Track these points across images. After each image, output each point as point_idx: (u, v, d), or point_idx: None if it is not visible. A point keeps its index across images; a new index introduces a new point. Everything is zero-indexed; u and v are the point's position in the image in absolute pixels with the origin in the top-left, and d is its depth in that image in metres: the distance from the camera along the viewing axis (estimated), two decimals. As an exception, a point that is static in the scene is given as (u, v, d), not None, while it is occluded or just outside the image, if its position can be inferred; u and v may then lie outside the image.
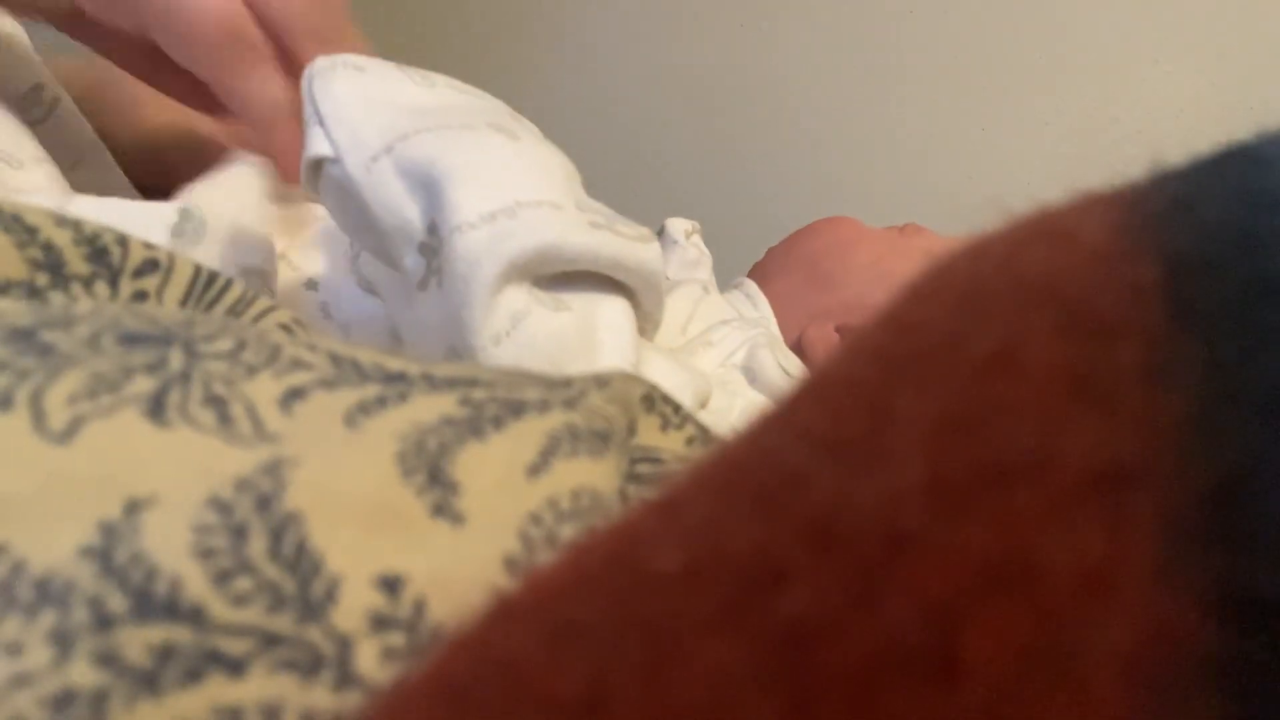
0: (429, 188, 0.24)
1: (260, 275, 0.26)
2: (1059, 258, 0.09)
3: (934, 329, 0.09)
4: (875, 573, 0.07)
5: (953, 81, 0.71)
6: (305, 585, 0.09)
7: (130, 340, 0.12)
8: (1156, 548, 0.07)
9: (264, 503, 0.10)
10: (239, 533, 0.09)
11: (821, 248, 0.45)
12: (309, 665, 0.09)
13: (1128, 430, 0.07)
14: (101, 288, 0.16)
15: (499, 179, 0.24)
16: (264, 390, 0.12)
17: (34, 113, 0.33)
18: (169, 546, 0.09)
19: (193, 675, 0.08)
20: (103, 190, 0.33)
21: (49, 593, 0.09)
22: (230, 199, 0.29)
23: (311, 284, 0.32)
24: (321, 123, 0.24)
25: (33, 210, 0.16)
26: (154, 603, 0.09)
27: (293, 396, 0.12)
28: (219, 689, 0.08)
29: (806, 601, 0.07)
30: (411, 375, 0.13)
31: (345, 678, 0.09)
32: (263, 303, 0.18)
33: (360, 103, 0.25)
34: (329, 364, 0.13)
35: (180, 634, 0.08)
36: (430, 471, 0.11)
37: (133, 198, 0.30)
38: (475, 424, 0.12)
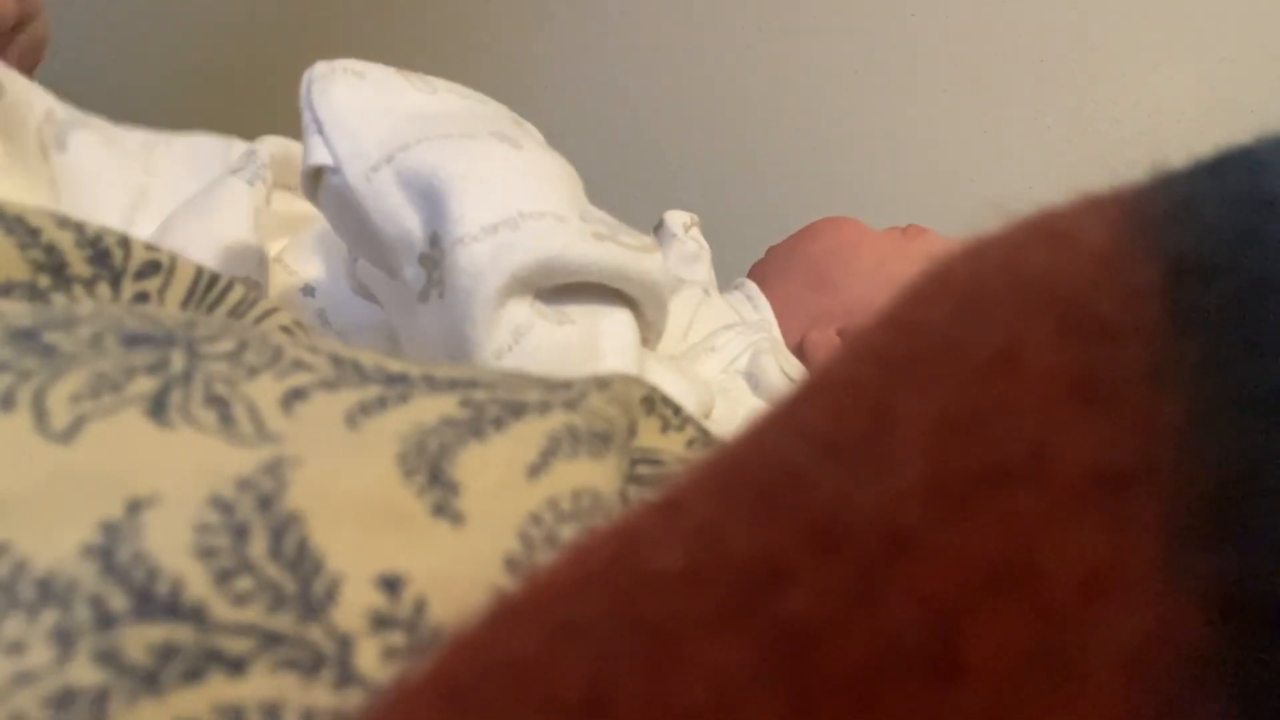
0: (430, 198, 0.23)
1: (252, 285, 0.26)
2: (1060, 259, 0.09)
3: (935, 330, 0.09)
4: (876, 573, 0.07)
5: (954, 83, 0.71)
6: (306, 585, 0.09)
7: (132, 341, 0.12)
8: (1157, 548, 0.07)
9: (265, 502, 0.10)
10: (240, 532, 0.09)
11: (823, 249, 0.45)
12: (310, 664, 0.09)
13: (1128, 431, 0.07)
14: (103, 289, 0.16)
15: (501, 189, 0.23)
16: (265, 391, 0.12)
17: None
18: (170, 546, 0.09)
19: (194, 674, 0.08)
20: None
21: (51, 592, 0.09)
22: (216, 222, 0.29)
23: (309, 290, 0.32)
24: (320, 131, 0.24)
25: (35, 212, 0.16)
26: (155, 602, 0.09)
27: (294, 397, 0.12)
28: (220, 688, 0.08)
29: (808, 602, 0.07)
30: (413, 377, 0.13)
31: (346, 677, 0.09)
32: (264, 305, 0.19)
33: (360, 111, 0.24)
34: (330, 365, 0.13)
35: (181, 633, 0.08)
36: (431, 472, 0.11)
37: None
38: (476, 425, 0.12)
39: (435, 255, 0.23)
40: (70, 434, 0.10)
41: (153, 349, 0.12)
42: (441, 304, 0.23)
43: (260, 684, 0.08)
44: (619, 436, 0.13)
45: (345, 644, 0.09)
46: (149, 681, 0.08)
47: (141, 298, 0.17)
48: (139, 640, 0.08)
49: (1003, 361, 0.08)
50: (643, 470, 0.14)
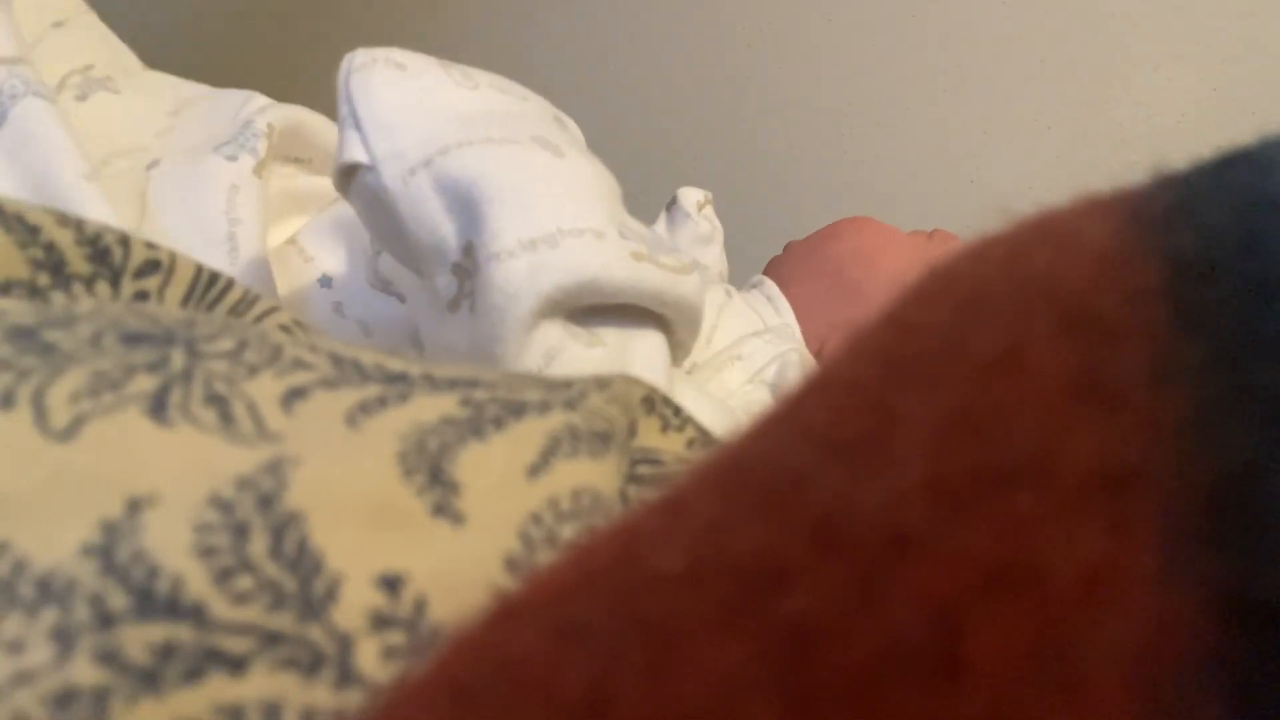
0: (468, 207, 0.23)
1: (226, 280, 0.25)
2: (1061, 260, 0.09)
3: (937, 331, 0.09)
4: (878, 573, 0.07)
5: (954, 83, 0.71)
6: (306, 584, 0.09)
7: (132, 339, 0.12)
8: (1159, 549, 0.07)
9: (265, 502, 0.10)
10: (240, 531, 0.09)
11: (847, 253, 0.43)
12: (310, 664, 0.09)
13: (1130, 432, 0.07)
14: (103, 288, 0.16)
15: (541, 203, 0.23)
16: (265, 390, 0.12)
17: None
18: (170, 545, 0.09)
19: (194, 673, 0.08)
20: None
21: (50, 591, 0.09)
22: (188, 204, 0.28)
23: (325, 280, 0.31)
24: (358, 126, 0.23)
25: (35, 210, 0.16)
26: (155, 601, 0.09)
27: (294, 396, 0.12)
28: (220, 687, 0.08)
29: (809, 602, 0.07)
30: (413, 376, 0.13)
31: (346, 676, 0.09)
32: (264, 304, 0.19)
33: (400, 108, 0.23)
34: (330, 364, 0.13)
35: (181, 632, 0.08)
36: (431, 471, 0.11)
37: None
38: (476, 424, 0.12)
39: (468, 266, 0.23)
40: (70, 433, 0.10)
41: (152, 347, 0.12)
42: (472, 318, 0.23)
43: (260, 683, 0.08)
44: (619, 436, 0.13)
45: (345, 643, 0.09)
46: (149, 681, 0.08)
47: (141, 296, 0.17)
48: (139, 639, 0.08)
49: (1004, 362, 0.08)
50: (643, 470, 0.14)
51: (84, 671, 0.08)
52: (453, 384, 0.13)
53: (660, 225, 0.43)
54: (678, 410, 0.16)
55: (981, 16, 0.71)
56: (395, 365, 0.13)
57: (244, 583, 0.09)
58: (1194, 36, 0.67)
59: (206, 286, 0.18)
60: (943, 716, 0.06)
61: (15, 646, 0.08)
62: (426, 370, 0.13)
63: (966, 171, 0.72)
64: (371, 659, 0.09)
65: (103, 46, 0.33)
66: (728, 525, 0.07)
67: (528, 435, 0.12)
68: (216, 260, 0.28)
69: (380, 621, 0.09)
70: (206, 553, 0.09)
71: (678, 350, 0.27)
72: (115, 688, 0.08)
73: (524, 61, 0.79)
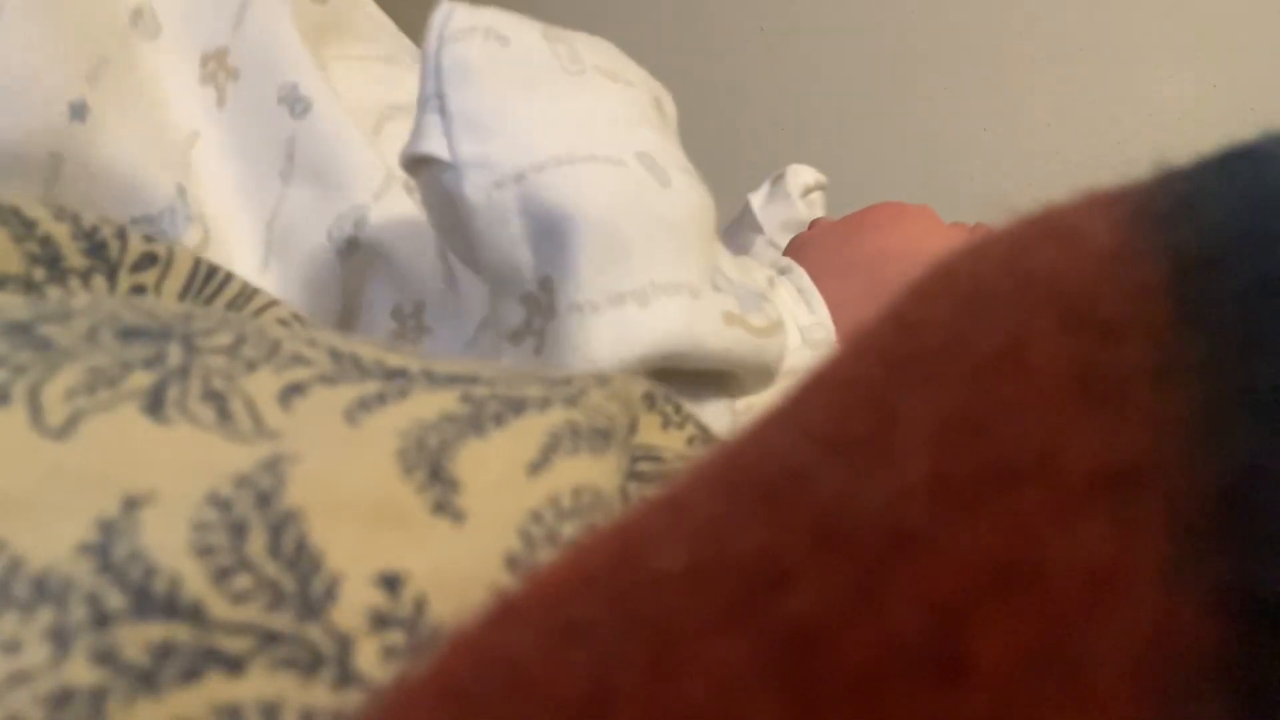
0: (554, 239, 0.20)
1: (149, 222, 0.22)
2: (1063, 257, 0.09)
3: (939, 328, 0.08)
4: (880, 572, 0.07)
5: (955, 82, 0.71)
6: (305, 583, 0.09)
7: (128, 334, 0.12)
8: (1163, 548, 0.07)
9: (264, 500, 0.10)
10: (238, 530, 0.09)
11: (888, 250, 0.38)
12: (309, 663, 0.09)
13: (1133, 430, 0.07)
14: (99, 282, 0.16)
15: (635, 248, 0.20)
16: (264, 386, 0.12)
17: None
18: (168, 544, 0.09)
19: (192, 673, 0.08)
20: None
21: (47, 590, 0.09)
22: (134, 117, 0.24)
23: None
24: (443, 113, 0.20)
25: (32, 204, 0.16)
26: (153, 600, 0.09)
27: (293, 392, 0.12)
28: (218, 687, 0.08)
29: (811, 601, 0.07)
30: (412, 372, 0.13)
31: (345, 676, 0.09)
32: (262, 298, 0.18)
33: (496, 102, 0.20)
34: (329, 359, 0.13)
35: (179, 632, 0.08)
36: (431, 468, 0.11)
37: None
38: (476, 421, 0.12)
39: (544, 302, 0.20)
40: (66, 430, 0.10)
41: (149, 342, 0.12)
42: (536, 360, 0.20)
43: (259, 683, 0.08)
44: (620, 433, 0.13)
45: (344, 643, 0.09)
46: (146, 681, 0.08)
47: (138, 290, 0.17)
48: (136, 639, 0.08)
49: (1006, 359, 0.08)
50: (644, 467, 0.14)
51: (81, 671, 0.08)
52: (453, 380, 0.13)
53: (758, 198, 0.40)
54: (679, 407, 0.15)
55: (983, 13, 0.71)
56: (395, 360, 0.13)
57: (242, 582, 0.09)
58: (1195, 33, 0.67)
59: (205, 280, 0.18)
60: (945, 716, 0.06)
61: (11, 646, 0.08)
62: (426, 366, 0.13)
63: (968, 168, 0.72)
64: (371, 658, 0.09)
65: None
66: (729, 524, 0.07)
67: (528, 432, 0.12)
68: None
69: (380, 621, 0.09)
70: (204, 551, 0.09)
71: (739, 392, 0.25)
72: (112, 688, 0.08)
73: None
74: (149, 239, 0.17)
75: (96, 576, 0.09)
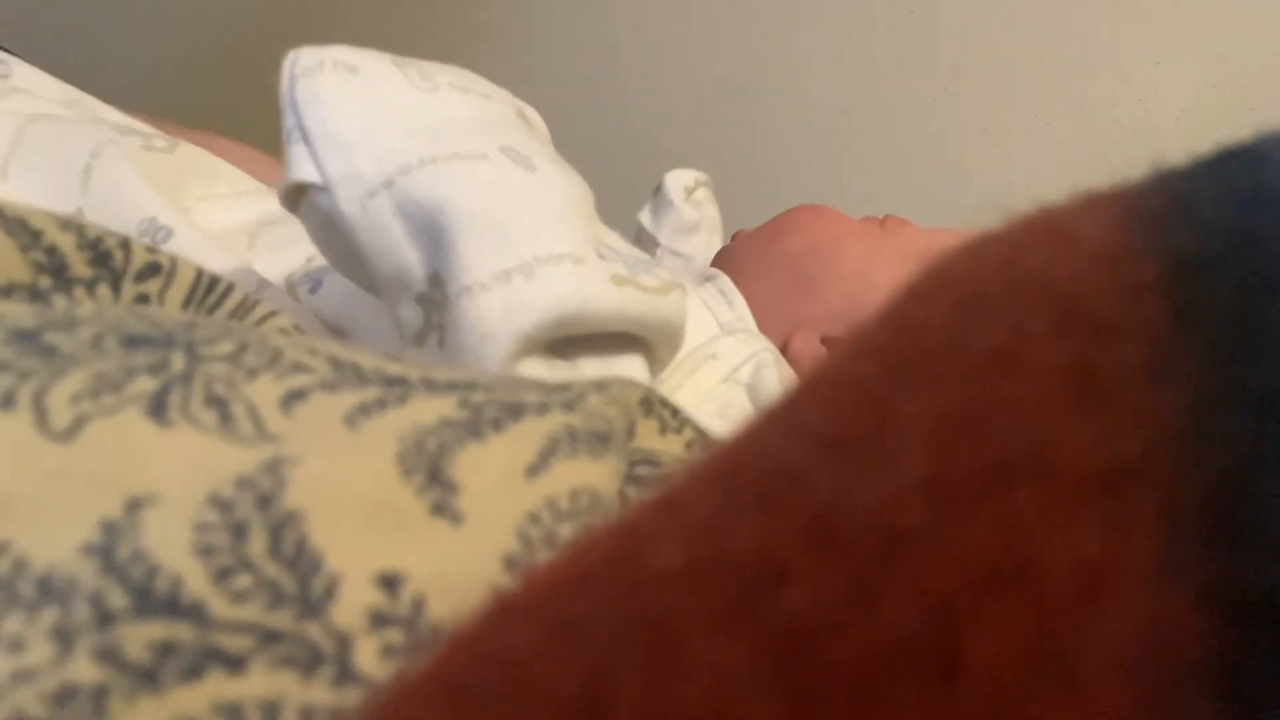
0: (434, 234, 0.20)
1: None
2: (1059, 257, 0.09)
3: (935, 328, 0.09)
4: (876, 571, 0.07)
5: (954, 82, 0.71)
6: (305, 583, 0.09)
7: (132, 342, 0.12)
8: (1156, 547, 0.07)
9: (264, 501, 0.10)
10: (239, 531, 0.09)
11: (804, 247, 0.41)
12: (308, 662, 0.09)
13: (1128, 429, 0.07)
14: (104, 291, 0.16)
15: (514, 227, 0.20)
16: (265, 392, 0.12)
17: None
18: (170, 544, 0.09)
19: (193, 672, 0.08)
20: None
21: (51, 590, 0.09)
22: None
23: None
24: (307, 141, 0.21)
25: (37, 214, 0.16)
26: (155, 600, 0.09)
27: (293, 398, 0.12)
28: (219, 685, 0.08)
29: (807, 600, 0.07)
30: (411, 379, 0.13)
31: (344, 674, 0.09)
32: (264, 308, 0.19)
33: (354, 121, 0.21)
34: (329, 367, 0.13)
35: (181, 631, 0.09)
36: (430, 471, 0.11)
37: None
38: (474, 425, 0.12)
39: (436, 297, 0.21)
40: (70, 434, 0.10)
41: (153, 350, 0.12)
42: (441, 354, 0.21)
43: (259, 682, 0.08)
44: (617, 437, 0.13)
45: (344, 642, 0.09)
46: (148, 679, 0.08)
47: (142, 299, 0.17)
48: (138, 638, 0.08)
49: (1002, 359, 0.08)
50: (641, 471, 0.14)
51: (84, 670, 0.08)
52: (451, 386, 0.13)
53: (646, 214, 0.41)
54: (676, 412, 0.16)
55: (981, 13, 0.71)
56: (394, 369, 0.13)
57: (243, 581, 0.09)
58: (1193, 33, 0.67)
59: (207, 290, 0.18)
60: (940, 714, 0.06)
61: (16, 645, 0.08)
62: (425, 374, 0.13)
63: (966, 168, 0.72)
64: (370, 657, 0.09)
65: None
66: (726, 523, 0.07)
67: (526, 436, 0.12)
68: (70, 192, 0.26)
69: (379, 620, 0.09)
70: (206, 552, 0.09)
71: (655, 365, 0.26)
72: (115, 686, 0.08)
73: (523, 54, 0.79)
74: (152, 249, 0.17)
75: (100, 576, 0.09)
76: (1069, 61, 0.70)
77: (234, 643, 0.09)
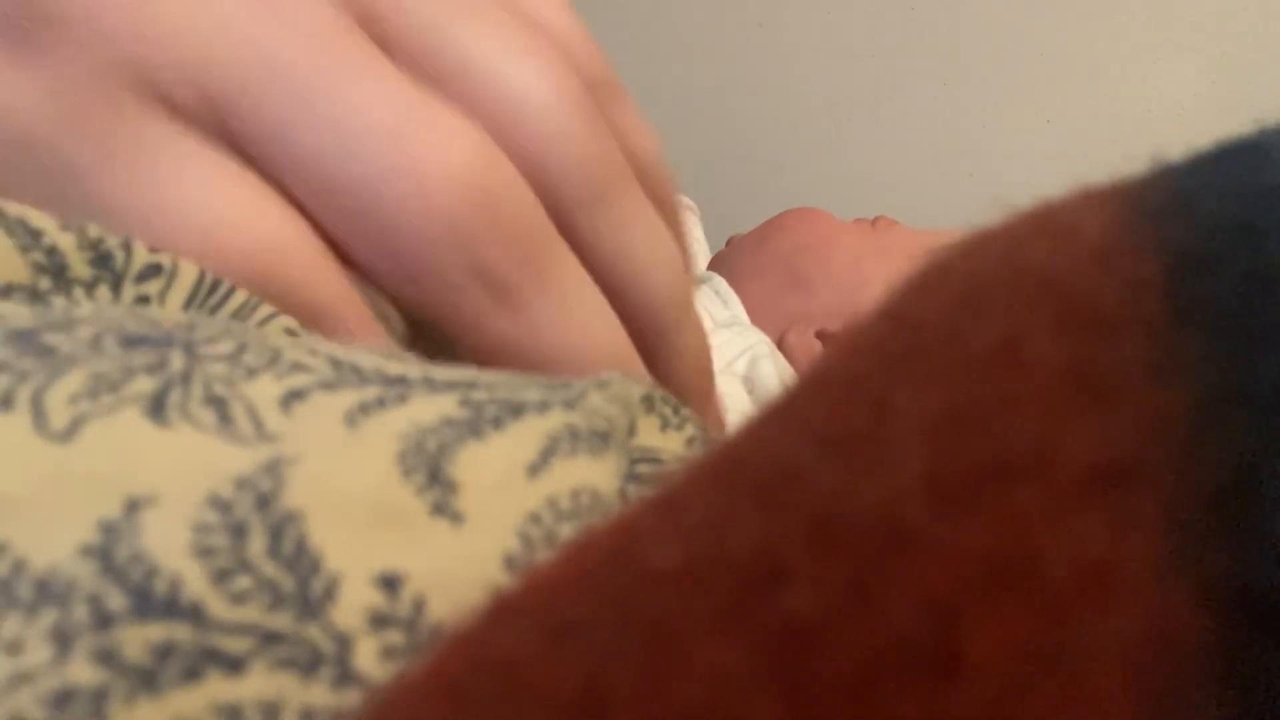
0: None
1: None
2: (1059, 253, 0.09)
3: (934, 324, 0.08)
4: (876, 570, 0.07)
5: (954, 78, 0.71)
6: (304, 583, 0.09)
7: (132, 342, 0.12)
8: (1159, 545, 0.07)
9: (263, 501, 0.10)
10: (238, 531, 0.09)
11: (797, 246, 0.43)
12: (308, 663, 0.09)
13: (1130, 426, 0.07)
14: (104, 292, 0.16)
15: None
16: (264, 391, 0.12)
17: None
18: (169, 545, 0.09)
19: (192, 673, 0.08)
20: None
21: (49, 591, 0.09)
22: None
23: None
24: None
25: (38, 214, 0.16)
26: (154, 601, 0.09)
27: (293, 398, 0.12)
28: (218, 687, 0.08)
29: (806, 599, 0.07)
30: (412, 378, 0.13)
31: (344, 676, 0.09)
32: (265, 309, 0.19)
33: None
34: (329, 367, 0.13)
35: (179, 632, 0.08)
36: (430, 471, 0.11)
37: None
38: (475, 424, 0.12)
39: None
40: (69, 434, 0.10)
41: (152, 350, 0.12)
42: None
43: (258, 683, 0.08)
44: (619, 435, 0.13)
45: (344, 643, 0.09)
46: (147, 681, 0.08)
47: (142, 300, 0.17)
48: (137, 639, 0.08)
49: (1002, 356, 0.08)
50: (643, 469, 0.14)
51: (82, 671, 0.08)
52: (452, 385, 0.13)
53: None
54: (677, 409, 0.16)
55: (981, 9, 0.71)
56: (394, 368, 0.13)
57: (242, 582, 0.09)
58: (1193, 29, 0.66)
59: (209, 291, 0.18)
60: (941, 714, 0.06)
61: (14, 647, 0.08)
62: (426, 373, 0.13)
63: (965, 164, 0.72)
64: (370, 658, 0.09)
65: None
66: (724, 522, 0.07)
67: (527, 435, 0.12)
68: None
69: (379, 621, 0.09)
70: (205, 552, 0.09)
71: None
72: (113, 687, 0.08)
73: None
74: (154, 250, 0.17)
75: (98, 577, 0.09)
76: (1069, 57, 0.70)
77: (233, 644, 0.09)
